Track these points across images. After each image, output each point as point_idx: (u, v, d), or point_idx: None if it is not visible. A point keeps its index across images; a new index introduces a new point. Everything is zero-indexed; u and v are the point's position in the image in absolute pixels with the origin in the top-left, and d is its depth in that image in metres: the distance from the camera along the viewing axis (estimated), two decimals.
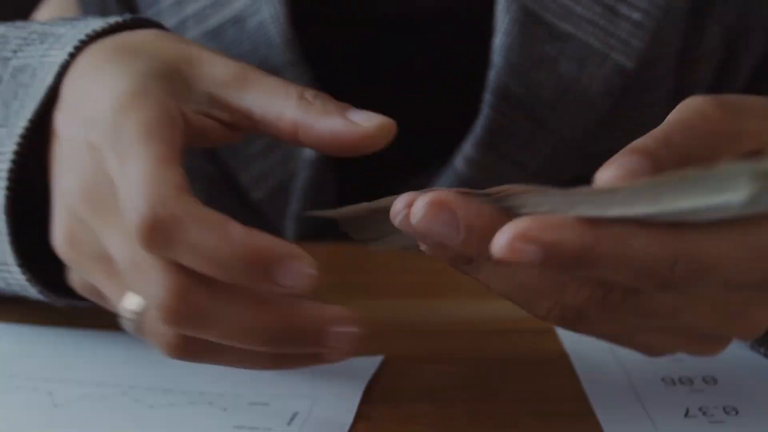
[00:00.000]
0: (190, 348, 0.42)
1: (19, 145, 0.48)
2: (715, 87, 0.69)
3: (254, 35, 0.65)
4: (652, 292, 0.39)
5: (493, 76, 0.63)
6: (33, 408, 0.46)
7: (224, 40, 0.65)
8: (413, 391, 0.48)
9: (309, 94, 0.46)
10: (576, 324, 0.41)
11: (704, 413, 0.46)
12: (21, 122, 0.48)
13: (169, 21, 0.66)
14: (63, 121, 0.47)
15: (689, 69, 0.67)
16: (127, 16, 0.50)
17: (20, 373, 0.49)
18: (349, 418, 0.46)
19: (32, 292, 0.50)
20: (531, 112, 0.64)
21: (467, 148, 0.65)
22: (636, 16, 0.63)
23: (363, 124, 0.45)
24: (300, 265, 0.39)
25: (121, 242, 0.42)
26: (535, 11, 0.63)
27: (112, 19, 0.50)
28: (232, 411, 0.46)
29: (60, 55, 0.48)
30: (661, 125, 0.40)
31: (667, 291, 0.39)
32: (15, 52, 0.51)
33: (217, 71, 0.46)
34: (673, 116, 0.41)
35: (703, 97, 0.41)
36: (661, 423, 0.45)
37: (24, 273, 0.49)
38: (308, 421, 0.45)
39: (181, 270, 0.40)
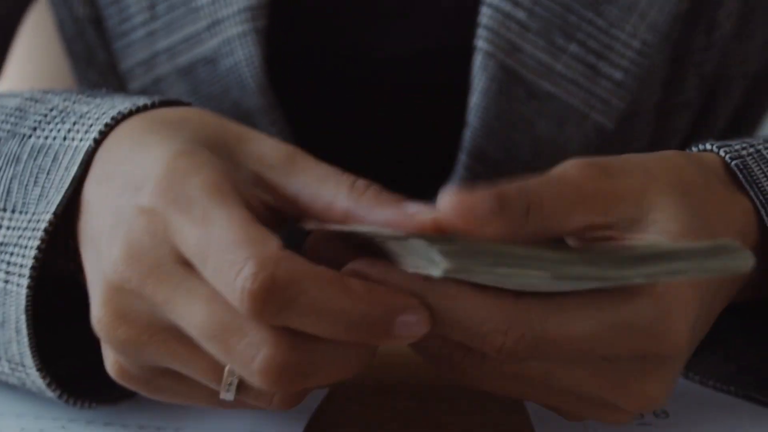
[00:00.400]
0: (297, 397, 0.41)
1: (42, 240, 0.45)
2: (692, 136, 0.69)
3: (227, 77, 0.64)
4: (499, 360, 0.39)
5: (468, 137, 0.62)
6: None
7: (196, 79, 0.65)
8: (358, 425, 0.47)
9: (361, 183, 0.43)
10: (463, 381, 0.41)
11: None
12: (44, 216, 0.45)
13: (140, 54, 0.66)
14: (98, 192, 0.44)
15: (666, 119, 0.67)
16: (156, 98, 0.47)
17: None
18: None
19: (50, 395, 0.46)
20: (506, 172, 0.62)
21: None
22: (618, 75, 0.62)
23: (418, 216, 0.41)
24: (418, 316, 0.38)
25: (203, 309, 0.39)
26: (515, 69, 0.62)
27: (141, 101, 0.47)
28: None
29: (84, 141, 0.46)
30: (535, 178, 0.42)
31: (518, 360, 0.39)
32: (34, 129, 0.48)
33: (265, 150, 0.44)
34: (550, 172, 0.42)
35: (579, 159, 0.43)
36: None
37: (44, 377, 0.46)
38: None
39: (284, 328, 0.38)
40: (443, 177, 0.64)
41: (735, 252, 0.36)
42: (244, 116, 0.61)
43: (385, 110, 0.68)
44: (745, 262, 0.36)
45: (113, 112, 0.46)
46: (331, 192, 0.42)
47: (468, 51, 0.62)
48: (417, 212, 0.41)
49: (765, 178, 0.46)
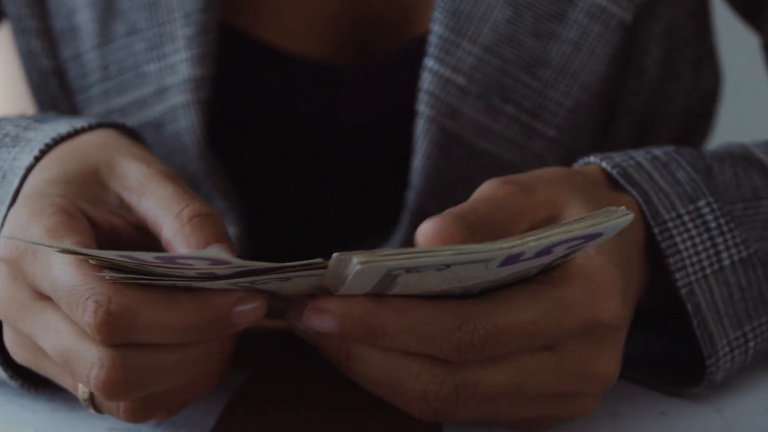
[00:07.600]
0: (143, 413, 0.47)
1: None
2: None
3: (171, 142, 0.67)
4: (466, 366, 0.44)
5: (412, 197, 0.66)
6: None
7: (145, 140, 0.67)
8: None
9: (187, 213, 0.48)
10: (438, 415, 0.46)
11: None
12: None
13: (98, 108, 0.69)
14: None
15: None
16: (92, 120, 0.54)
17: None
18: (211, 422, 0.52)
19: (13, 385, 0.54)
20: None
21: None
22: (552, 132, 0.66)
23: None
24: (250, 305, 0.45)
25: (53, 338, 0.46)
26: (455, 131, 0.64)
27: (78, 123, 0.54)
28: None
29: (27, 159, 0.52)
30: (468, 201, 0.48)
31: (489, 365, 0.44)
32: None
33: (127, 174, 0.50)
34: (475, 195, 0.49)
35: (495, 179, 0.50)
36: None
37: (6, 371, 0.53)
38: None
39: (124, 346, 0.45)
40: (387, 233, 0.68)
41: (615, 212, 0.43)
42: (189, 178, 0.65)
43: (332, 173, 0.71)
44: (625, 215, 0.43)
45: (53, 134, 0.53)
46: (162, 218, 0.48)
47: (410, 116, 0.65)
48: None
49: (644, 182, 0.53)
